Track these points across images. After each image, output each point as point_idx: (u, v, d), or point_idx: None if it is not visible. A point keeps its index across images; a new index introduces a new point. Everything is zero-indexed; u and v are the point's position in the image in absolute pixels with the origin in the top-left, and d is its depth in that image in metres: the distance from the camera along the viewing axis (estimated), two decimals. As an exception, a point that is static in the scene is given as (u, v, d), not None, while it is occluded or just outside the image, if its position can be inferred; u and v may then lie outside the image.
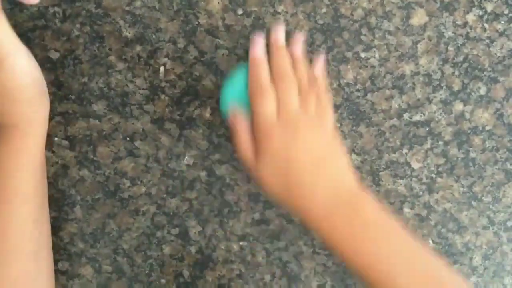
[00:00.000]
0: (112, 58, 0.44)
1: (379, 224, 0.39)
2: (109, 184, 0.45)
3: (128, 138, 0.45)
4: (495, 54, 0.46)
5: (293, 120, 0.39)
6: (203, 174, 0.46)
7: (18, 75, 0.37)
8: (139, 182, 0.46)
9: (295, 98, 0.40)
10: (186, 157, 0.46)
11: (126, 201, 0.46)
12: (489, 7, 0.45)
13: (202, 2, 0.44)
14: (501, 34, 0.46)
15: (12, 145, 0.39)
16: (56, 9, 0.43)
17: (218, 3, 0.44)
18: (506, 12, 0.46)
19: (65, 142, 0.45)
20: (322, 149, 0.40)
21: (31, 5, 0.41)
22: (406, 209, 0.47)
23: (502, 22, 0.46)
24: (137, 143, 0.45)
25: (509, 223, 0.48)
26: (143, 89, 0.45)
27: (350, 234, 0.38)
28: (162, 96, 0.45)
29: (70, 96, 0.44)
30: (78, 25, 0.43)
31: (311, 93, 0.41)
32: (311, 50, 0.45)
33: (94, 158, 0.45)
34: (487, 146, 0.47)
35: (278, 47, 0.41)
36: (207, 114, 0.45)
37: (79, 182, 0.45)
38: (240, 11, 0.44)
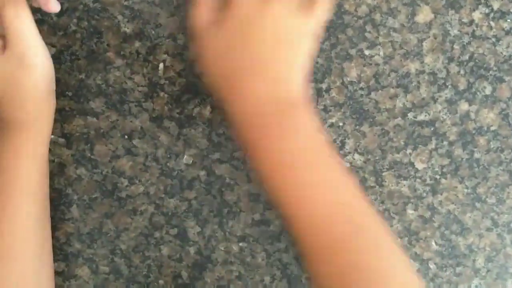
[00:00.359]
0: (110, 54, 0.43)
1: (307, 136, 0.35)
2: (107, 183, 0.44)
3: (126, 136, 0.44)
4: (501, 53, 0.45)
5: None
6: (202, 173, 0.45)
7: (36, 72, 0.37)
8: (137, 181, 0.45)
9: None
10: (185, 156, 0.45)
11: (123, 201, 0.45)
12: (496, 5, 0.45)
13: None
14: (507, 32, 0.45)
15: (19, 143, 0.38)
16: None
17: (219, -2, 0.43)
18: (513, 10, 0.45)
19: (62, 140, 0.44)
20: (283, 47, 0.35)
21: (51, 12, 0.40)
22: (410, 211, 0.46)
23: (509, 20, 0.45)
24: (136, 141, 0.44)
25: (513, 225, 0.48)
26: (142, 86, 0.44)
27: (273, 137, 0.35)
28: (161, 94, 0.44)
29: (67, 92, 0.43)
30: (75, 20, 0.42)
31: None
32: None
33: (92, 157, 0.44)
34: (492, 146, 0.46)
35: None
36: (207, 113, 0.44)
37: (76, 181, 0.44)
38: (241, 7, 0.43)
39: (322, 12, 0.37)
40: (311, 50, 0.37)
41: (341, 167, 0.36)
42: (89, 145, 0.44)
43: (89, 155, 0.44)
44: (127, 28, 0.43)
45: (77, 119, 0.43)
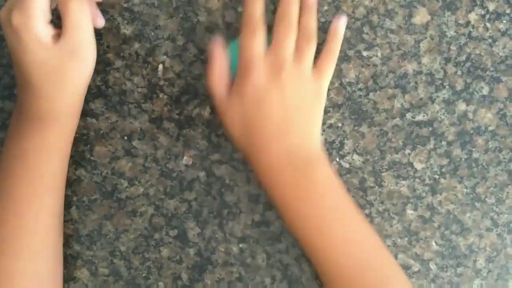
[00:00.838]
0: (110, 55, 0.43)
1: (326, 191, 0.39)
2: (106, 184, 0.44)
3: (125, 138, 0.44)
4: (498, 53, 0.45)
5: (280, 65, 0.38)
6: (202, 174, 0.45)
7: (85, 65, 0.38)
8: (136, 183, 0.45)
9: (290, 44, 0.38)
10: (185, 157, 0.45)
11: (123, 202, 0.45)
12: (491, 7, 0.45)
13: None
14: (503, 33, 0.45)
15: (51, 137, 0.38)
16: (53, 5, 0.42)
17: (218, 0, 0.43)
18: (508, 11, 0.45)
19: (61, 141, 0.44)
20: (299, 110, 0.38)
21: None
22: (409, 211, 0.46)
23: (504, 21, 0.45)
24: (135, 142, 0.44)
25: (512, 225, 0.47)
26: (141, 87, 0.44)
27: (295, 194, 0.38)
28: (161, 95, 0.44)
29: (66, 94, 0.43)
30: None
31: (312, 46, 0.39)
32: (312, 49, 0.45)
33: (91, 158, 0.44)
34: (490, 146, 0.46)
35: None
36: (206, 113, 0.45)
37: (75, 182, 0.44)
38: (240, 9, 0.44)
39: (330, 71, 0.41)
40: (323, 106, 0.40)
41: (359, 215, 0.40)
42: (88, 146, 0.44)
43: (88, 156, 0.44)
44: (127, 30, 0.43)
45: (77, 120, 0.43)
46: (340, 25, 0.42)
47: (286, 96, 0.38)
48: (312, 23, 0.40)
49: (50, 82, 0.37)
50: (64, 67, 0.37)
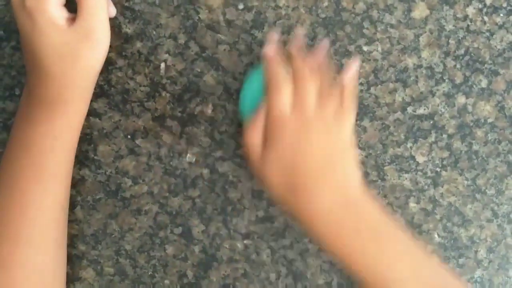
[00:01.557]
0: (112, 54, 0.43)
1: (383, 228, 0.38)
2: (110, 183, 0.44)
3: (129, 136, 0.44)
4: (495, 46, 0.46)
5: (307, 118, 0.38)
6: (205, 171, 0.45)
7: (100, 48, 0.38)
8: (140, 181, 0.45)
9: (313, 96, 0.39)
10: (188, 155, 0.45)
11: (128, 201, 0.45)
12: (488, 0, 0.46)
13: (203, -3, 0.43)
14: (500, 27, 0.46)
15: (58, 124, 0.38)
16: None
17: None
18: (504, 5, 0.46)
19: (65, 141, 0.43)
20: (332, 155, 0.39)
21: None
22: (412, 204, 0.47)
23: (501, 15, 0.46)
24: (138, 141, 0.44)
25: (512, 216, 0.48)
26: (143, 86, 0.44)
27: (356, 238, 0.38)
28: (163, 93, 0.44)
29: (69, 93, 0.43)
30: (76, 21, 0.42)
31: (332, 95, 0.40)
32: (312, 44, 0.45)
33: (95, 157, 0.44)
34: (490, 138, 0.47)
35: (299, 51, 0.41)
36: (209, 111, 0.45)
37: (79, 182, 0.44)
38: (241, 6, 0.44)
39: (353, 113, 0.41)
40: (354, 146, 0.40)
41: (413, 240, 0.39)
42: (92, 145, 0.44)
43: (92, 155, 0.44)
44: (128, 29, 0.43)
45: (80, 119, 0.43)
46: (352, 74, 0.41)
47: (318, 145, 0.38)
48: (326, 77, 0.40)
49: (63, 65, 0.37)
50: (78, 50, 0.37)
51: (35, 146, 0.38)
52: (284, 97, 0.39)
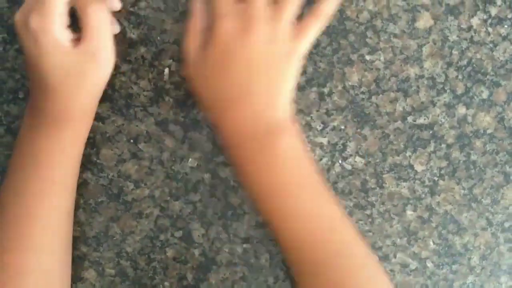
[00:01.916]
0: (116, 59, 0.43)
1: (289, 165, 0.36)
2: (113, 187, 0.45)
3: (132, 141, 0.44)
4: (498, 58, 0.46)
5: (251, 17, 0.34)
6: (207, 176, 0.46)
7: (104, 69, 0.38)
8: (142, 185, 0.45)
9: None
10: (190, 159, 0.45)
11: (129, 204, 0.45)
12: (493, 11, 0.46)
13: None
14: (504, 38, 0.46)
15: (63, 138, 0.38)
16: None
17: (224, 4, 0.43)
18: (509, 16, 0.46)
19: (68, 145, 0.44)
20: (268, 70, 0.35)
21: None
22: (409, 211, 0.48)
23: (506, 26, 0.46)
24: (141, 145, 0.45)
25: (506, 224, 0.49)
26: (147, 91, 0.44)
27: (258, 164, 0.36)
28: (167, 98, 0.44)
29: (72, 98, 0.43)
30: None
31: (293, 4, 0.35)
32: (316, 52, 0.45)
33: (98, 161, 0.44)
34: (488, 149, 0.47)
35: None
36: (211, 116, 0.45)
37: (82, 185, 0.44)
38: (246, 12, 0.44)
39: (312, 34, 0.37)
40: (297, 72, 0.37)
41: (326, 191, 0.38)
42: (95, 149, 0.44)
43: (95, 159, 0.44)
44: (133, 34, 0.43)
45: (83, 124, 0.44)
46: None
47: (254, 57, 0.34)
48: None
49: (69, 85, 0.37)
50: (84, 70, 0.37)
51: (42, 160, 0.38)
52: None
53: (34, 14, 0.35)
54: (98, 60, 0.38)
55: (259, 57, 0.35)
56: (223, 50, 0.35)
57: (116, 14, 0.42)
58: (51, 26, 0.36)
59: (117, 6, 0.41)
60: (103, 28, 0.37)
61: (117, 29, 0.42)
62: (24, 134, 0.39)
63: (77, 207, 0.45)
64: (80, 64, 0.37)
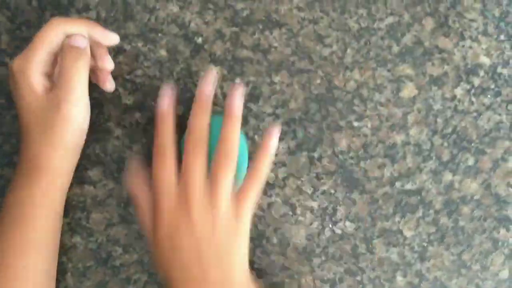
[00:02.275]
0: (110, 124, 0.44)
1: None
2: (101, 251, 0.44)
3: (122, 204, 0.45)
4: (482, 126, 0.48)
5: (188, 196, 0.34)
6: (197, 240, 0.45)
7: (68, 124, 0.38)
8: (131, 250, 0.45)
9: (200, 167, 0.35)
10: (180, 223, 0.45)
11: (117, 269, 0.45)
12: (476, 82, 0.48)
13: (202, 72, 0.45)
14: (487, 107, 0.48)
15: (37, 190, 0.38)
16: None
17: (217, 72, 0.45)
18: (492, 86, 0.48)
19: (58, 208, 0.44)
20: (213, 242, 0.35)
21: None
22: (399, 277, 0.47)
23: (489, 96, 0.48)
24: (131, 209, 0.45)
25: (497, 290, 0.49)
26: (140, 154, 0.45)
27: None
28: (158, 162, 0.45)
29: (66, 162, 0.44)
30: (77, 92, 0.43)
31: (230, 168, 0.35)
32: (306, 118, 0.46)
33: (87, 225, 0.44)
34: (476, 215, 0.48)
35: (202, 101, 0.37)
36: (202, 180, 0.45)
37: (71, 249, 0.44)
38: (238, 80, 0.46)
39: (252, 201, 0.37)
40: (247, 233, 0.36)
41: None
42: (85, 213, 0.44)
43: (84, 223, 0.44)
44: (128, 100, 0.44)
45: (74, 188, 0.44)
46: (273, 138, 0.38)
47: (197, 230, 0.34)
48: (233, 135, 0.36)
49: (37, 132, 0.38)
50: (49, 119, 0.37)
51: (15, 211, 0.38)
52: (166, 167, 0.35)
53: (18, 57, 0.38)
54: (62, 111, 0.37)
55: (202, 231, 0.35)
56: (170, 234, 0.35)
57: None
58: (28, 71, 0.37)
59: (109, 66, 0.41)
60: (75, 81, 0.37)
61: (112, 87, 0.42)
62: (11, 183, 0.39)
63: (65, 271, 0.44)
64: (44, 112, 0.37)
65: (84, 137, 0.40)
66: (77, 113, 0.38)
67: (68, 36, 0.38)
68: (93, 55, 0.40)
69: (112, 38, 0.40)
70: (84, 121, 0.39)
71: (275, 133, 0.38)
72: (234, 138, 0.36)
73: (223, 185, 0.35)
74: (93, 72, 0.42)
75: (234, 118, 0.37)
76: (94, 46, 0.40)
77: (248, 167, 0.38)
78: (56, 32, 0.38)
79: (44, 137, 0.38)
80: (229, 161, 0.35)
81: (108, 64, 0.40)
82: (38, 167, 0.38)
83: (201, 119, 0.36)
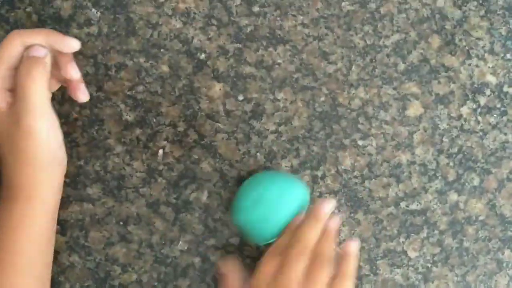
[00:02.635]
0: (110, 141, 0.43)
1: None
2: (100, 271, 0.43)
3: (121, 223, 0.44)
4: (488, 146, 0.47)
5: None
6: (197, 260, 0.44)
7: (33, 138, 0.36)
8: (130, 269, 0.44)
9: (299, 268, 0.36)
10: (180, 242, 0.44)
11: (116, 289, 0.44)
12: (482, 101, 0.47)
13: (204, 88, 0.44)
14: (493, 127, 0.47)
15: (19, 213, 0.37)
16: (55, 91, 0.42)
17: (220, 89, 0.44)
18: (498, 106, 0.47)
19: (57, 227, 0.43)
20: None
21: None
22: (403, 300, 0.46)
23: (495, 115, 0.47)
24: (130, 227, 0.44)
25: (502, 312, 0.48)
26: (140, 172, 0.44)
27: None
28: (159, 179, 0.44)
29: (65, 179, 0.42)
30: (77, 108, 0.42)
31: (325, 271, 0.37)
32: (309, 136, 0.45)
33: (86, 244, 0.43)
34: (480, 236, 0.47)
35: (319, 215, 0.38)
36: (204, 197, 0.45)
37: (68, 268, 0.43)
38: (241, 97, 0.45)
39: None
40: None
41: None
42: (83, 232, 0.43)
43: (83, 242, 0.43)
44: (129, 116, 0.43)
45: (73, 205, 0.43)
46: (353, 246, 0.39)
47: None
48: (329, 248, 0.38)
49: (6, 150, 0.37)
50: (13, 136, 0.36)
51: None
52: (270, 264, 0.37)
53: None
54: (22, 127, 0.36)
55: None
56: None
57: (113, 98, 0.43)
58: None
59: (74, 75, 0.39)
60: (30, 91, 0.36)
61: (85, 98, 0.40)
62: None
63: (61, 291, 0.43)
64: (9, 128, 0.36)
65: (59, 154, 0.39)
66: (39, 128, 0.36)
67: (28, 47, 0.37)
68: (59, 65, 0.39)
69: (71, 45, 0.37)
70: (49, 136, 0.37)
71: (355, 243, 0.39)
72: (330, 251, 0.38)
73: (321, 282, 0.36)
74: (66, 84, 0.41)
75: (331, 235, 0.39)
76: (58, 55, 0.38)
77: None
78: (14, 45, 0.36)
79: (11, 155, 0.37)
80: (326, 265, 0.37)
81: (73, 72, 0.38)
82: (12, 186, 0.37)
83: (311, 232, 0.38)
